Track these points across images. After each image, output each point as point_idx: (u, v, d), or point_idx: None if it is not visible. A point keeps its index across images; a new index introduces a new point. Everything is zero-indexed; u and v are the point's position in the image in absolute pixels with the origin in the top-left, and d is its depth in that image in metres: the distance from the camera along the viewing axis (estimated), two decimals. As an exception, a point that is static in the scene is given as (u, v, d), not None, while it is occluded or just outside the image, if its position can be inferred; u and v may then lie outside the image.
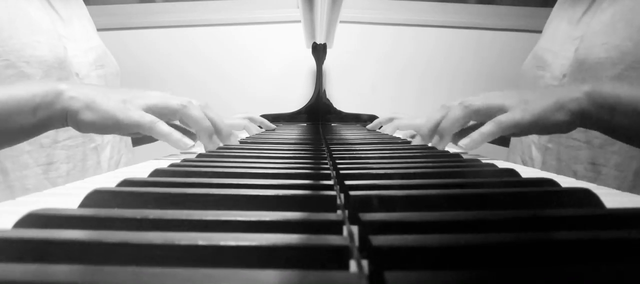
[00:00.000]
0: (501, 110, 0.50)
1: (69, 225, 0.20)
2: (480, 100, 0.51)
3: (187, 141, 0.51)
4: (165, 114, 0.51)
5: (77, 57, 0.72)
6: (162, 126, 0.50)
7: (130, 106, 0.49)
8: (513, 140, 0.87)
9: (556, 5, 0.84)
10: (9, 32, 0.62)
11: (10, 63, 0.61)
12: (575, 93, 0.49)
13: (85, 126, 0.49)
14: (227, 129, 0.57)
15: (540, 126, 0.49)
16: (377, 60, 1.46)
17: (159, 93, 0.53)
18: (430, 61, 1.47)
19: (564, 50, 0.73)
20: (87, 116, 0.48)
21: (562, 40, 0.75)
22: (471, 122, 0.55)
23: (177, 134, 0.50)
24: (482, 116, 0.52)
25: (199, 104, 0.54)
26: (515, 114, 0.49)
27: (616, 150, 0.65)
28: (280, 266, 0.16)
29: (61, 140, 0.68)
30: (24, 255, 0.17)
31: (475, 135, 0.50)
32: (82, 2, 0.84)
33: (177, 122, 0.55)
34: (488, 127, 0.49)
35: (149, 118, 0.49)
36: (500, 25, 1.47)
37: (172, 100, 0.52)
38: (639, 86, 0.49)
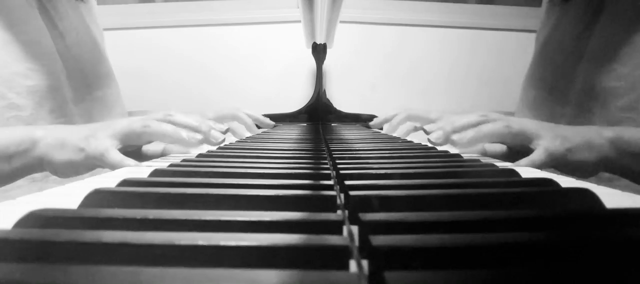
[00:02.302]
0: (537, 138, 0.49)
1: (69, 225, 0.20)
2: (518, 124, 0.50)
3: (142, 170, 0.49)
4: (132, 139, 0.50)
5: (71, 79, 0.69)
6: (111, 155, 0.48)
7: (92, 140, 0.48)
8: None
9: (546, 14, 0.79)
10: (4, 60, 0.58)
11: (0, 95, 0.58)
12: (599, 139, 0.48)
13: (60, 168, 0.48)
14: (206, 126, 0.54)
15: (575, 164, 0.48)
16: (377, 61, 1.46)
17: (127, 120, 0.51)
18: (430, 61, 1.47)
19: (567, 74, 0.69)
20: (60, 157, 0.47)
21: (563, 58, 0.71)
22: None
23: (128, 161, 0.48)
24: (516, 139, 0.50)
25: (163, 114, 0.52)
26: (559, 148, 0.48)
27: (625, 185, 0.64)
28: (280, 266, 0.16)
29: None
30: (24, 255, 0.17)
31: (527, 162, 0.48)
32: (92, 13, 0.79)
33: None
34: (541, 156, 0.48)
35: (100, 149, 0.47)
36: (500, 25, 1.47)
37: (134, 123, 0.50)
38: None
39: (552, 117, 0.70)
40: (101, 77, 0.77)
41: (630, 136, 0.48)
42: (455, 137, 0.52)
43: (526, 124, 0.50)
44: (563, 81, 0.70)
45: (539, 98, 0.74)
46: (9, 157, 0.47)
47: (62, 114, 0.65)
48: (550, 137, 0.48)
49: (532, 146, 0.49)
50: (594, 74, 0.62)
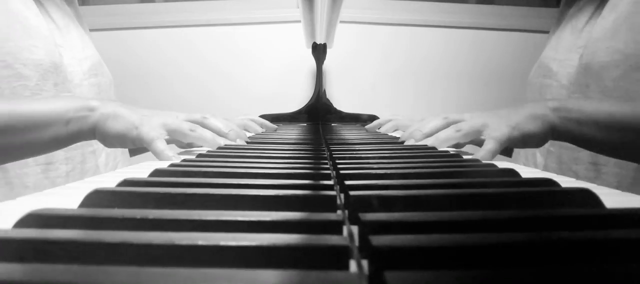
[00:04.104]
0: (485, 128, 0.55)
1: (69, 225, 0.20)
2: (467, 125, 0.56)
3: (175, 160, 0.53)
4: (178, 136, 0.56)
5: (71, 66, 0.73)
6: (158, 144, 0.53)
7: (146, 121, 0.54)
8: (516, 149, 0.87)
9: (559, 16, 0.86)
10: (6, 34, 0.63)
11: (7, 64, 0.63)
12: (544, 109, 0.54)
13: (110, 137, 0.53)
14: (234, 133, 0.60)
15: (524, 137, 0.54)
16: (377, 60, 1.46)
17: (175, 114, 0.57)
18: (430, 61, 1.47)
19: (569, 59, 0.75)
20: (111, 126, 0.53)
21: (566, 50, 0.77)
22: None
23: (168, 153, 0.52)
24: (469, 137, 0.57)
25: (201, 116, 0.58)
26: (504, 131, 0.54)
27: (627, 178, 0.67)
28: (280, 266, 0.16)
29: None
30: (24, 255, 0.17)
31: (483, 154, 0.53)
32: (79, 13, 0.84)
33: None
34: (490, 146, 0.54)
35: (152, 135, 0.53)
36: (500, 25, 1.47)
37: (184, 125, 0.56)
38: (608, 101, 0.56)
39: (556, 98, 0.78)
40: (95, 65, 0.81)
41: (573, 104, 0.54)
42: (428, 143, 0.58)
43: (473, 122, 0.56)
44: (566, 71, 0.76)
45: (545, 85, 0.81)
46: (68, 121, 0.52)
47: (65, 89, 0.69)
48: (495, 124, 0.55)
49: (483, 137, 0.56)
50: (592, 54, 0.69)
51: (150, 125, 0.54)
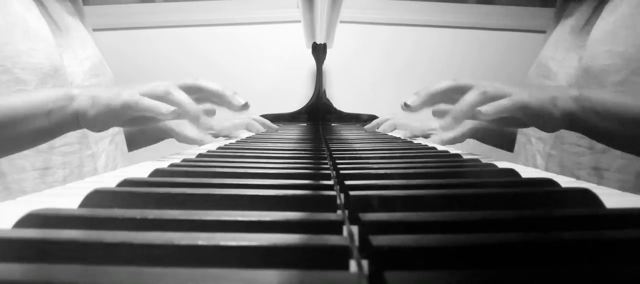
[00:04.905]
0: (508, 94, 0.53)
1: (69, 225, 0.20)
2: (493, 87, 0.54)
3: (170, 108, 0.52)
4: (152, 98, 0.54)
5: (71, 67, 0.73)
6: (145, 101, 0.52)
7: (122, 89, 0.53)
8: (517, 147, 0.87)
9: (556, 14, 0.86)
10: (6, 38, 0.63)
11: (5, 69, 0.62)
12: (565, 96, 0.53)
13: (93, 122, 0.53)
14: (195, 110, 0.56)
15: (541, 114, 0.52)
16: (377, 60, 1.46)
17: (151, 82, 0.55)
18: (430, 61, 1.47)
19: (568, 59, 0.75)
20: (92, 112, 0.52)
21: (565, 49, 0.77)
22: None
23: (160, 105, 0.52)
24: (494, 99, 0.54)
25: (165, 88, 0.56)
26: (524, 95, 0.52)
27: (619, 154, 0.66)
28: (280, 266, 0.16)
29: (57, 146, 0.68)
30: (24, 255, 0.17)
31: (493, 105, 0.52)
32: (82, 11, 0.84)
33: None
34: (504, 102, 0.52)
35: (135, 98, 0.52)
36: (499, 25, 1.47)
37: (159, 87, 0.54)
38: (629, 96, 0.54)
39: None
40: (96, 65, 0.81)
41: (594, 95, 0.53)
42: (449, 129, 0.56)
43: (501, 88, 0.54)
44: (565, 71, 0.75)
45: (544, 85, 0.81)
46: (48, 112, 0.52)
47: None
48: (519, 91, 0.53)
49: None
50: (592, 56, 0.68)
51: (128, 91, 0.53)
